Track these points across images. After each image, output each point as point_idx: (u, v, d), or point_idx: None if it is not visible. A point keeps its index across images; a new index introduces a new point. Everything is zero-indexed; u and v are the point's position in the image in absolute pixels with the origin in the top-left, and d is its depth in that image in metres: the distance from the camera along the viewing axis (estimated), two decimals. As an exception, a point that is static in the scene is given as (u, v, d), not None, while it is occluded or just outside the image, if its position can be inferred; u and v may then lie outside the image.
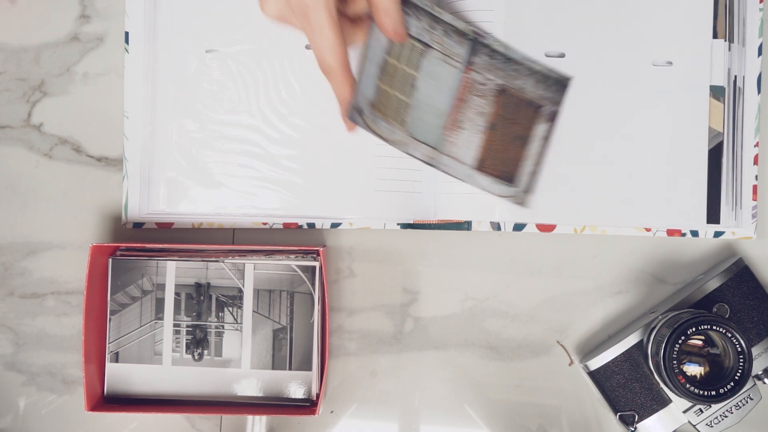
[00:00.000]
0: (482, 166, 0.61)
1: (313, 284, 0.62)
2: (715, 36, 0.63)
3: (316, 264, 0.62)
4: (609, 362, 0.61)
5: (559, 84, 0.60)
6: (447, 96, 0.60)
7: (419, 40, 0.58)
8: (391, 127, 0.60)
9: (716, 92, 0.63)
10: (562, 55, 0.63)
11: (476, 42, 0.59)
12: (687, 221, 0.63)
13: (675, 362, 0.57)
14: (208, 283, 0.62)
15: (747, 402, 0.60)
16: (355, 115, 0.59)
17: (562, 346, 0.65)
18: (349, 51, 0.56)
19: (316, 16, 0.52)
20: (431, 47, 0.59)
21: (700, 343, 0.58)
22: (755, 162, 0.64)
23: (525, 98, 0.60)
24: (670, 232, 0.64)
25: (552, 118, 0.60)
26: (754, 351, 0.61)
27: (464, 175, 0.61)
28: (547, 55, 0.63)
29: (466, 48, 0.59)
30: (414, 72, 0.59)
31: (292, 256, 0.62)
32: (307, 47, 0.63)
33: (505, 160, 0.61)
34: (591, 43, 0.63)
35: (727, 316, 0.60)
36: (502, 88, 0.60)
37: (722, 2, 0.63)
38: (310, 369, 0.62)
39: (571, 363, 0.65)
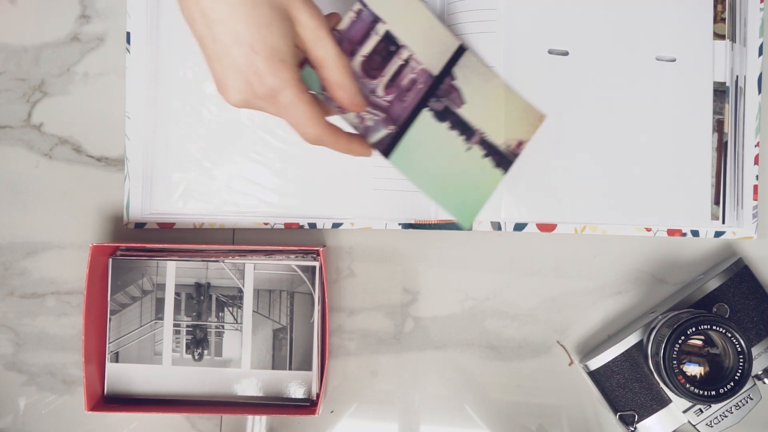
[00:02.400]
0: None
1: (313, 284, 0.62)
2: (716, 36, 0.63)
3: (316, 264, 0.62)
4: (609, 362, 0.61)
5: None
6: None
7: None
8: None
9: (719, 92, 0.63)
10: (565, 53, 0.63)
11: None
12: (690, 220, 0.63)
13: (675, 362, 0.57)
14: (208, 283, 0.62)
15: (747, 402, 0.60)
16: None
17: (562, 346, 0.65)
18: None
19: (285, 96, 0.51)
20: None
21: (700, 343, 0.58)
22: (756, 162, 0.64)
23: None
24: (671, 232, 0.64)
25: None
26: (754, 351, 0.61)
27: None
28: (550, 52, 0.62)
29: None
30: None
31: (292, 256, 0.62)
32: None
33: None
34: (594, 39, 0.63)
35: (727, 316, 0.60)
36: None
37: (723, 2, 0.63)
38: (310, 369, 0.62)
39: (571, 363, 0.65)
